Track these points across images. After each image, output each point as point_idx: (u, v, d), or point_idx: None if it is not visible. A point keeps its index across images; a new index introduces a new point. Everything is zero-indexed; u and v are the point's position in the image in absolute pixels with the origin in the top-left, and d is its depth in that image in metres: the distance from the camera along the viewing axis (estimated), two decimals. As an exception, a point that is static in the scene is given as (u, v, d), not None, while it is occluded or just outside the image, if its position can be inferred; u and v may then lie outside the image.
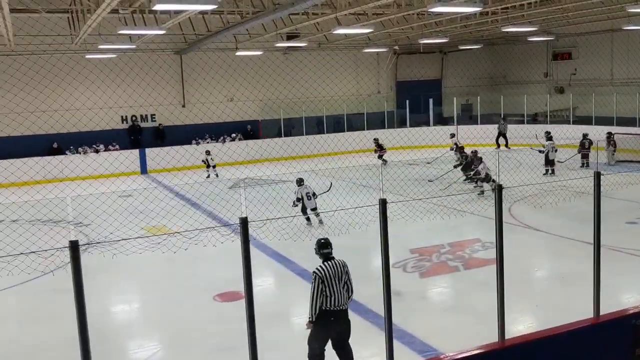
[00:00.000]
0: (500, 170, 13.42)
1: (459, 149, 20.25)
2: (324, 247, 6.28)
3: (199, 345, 7.75)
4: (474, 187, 17.09)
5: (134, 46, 20.94)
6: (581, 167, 20.41)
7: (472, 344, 5.98)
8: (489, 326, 6.08)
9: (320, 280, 6.07)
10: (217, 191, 15.92)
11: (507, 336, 5.81)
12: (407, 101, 30.08)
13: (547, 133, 20.62)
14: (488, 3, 17.78)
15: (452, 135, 23.72)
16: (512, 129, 26.80)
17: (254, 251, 4.97)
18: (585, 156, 20.59)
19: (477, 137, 27.34)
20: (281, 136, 27.68)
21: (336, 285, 6.14)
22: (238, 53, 24.87)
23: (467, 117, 31.33)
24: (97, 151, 24.32)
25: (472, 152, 18.14)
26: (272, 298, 9.46)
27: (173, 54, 26.21)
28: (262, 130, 28.21)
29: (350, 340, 6.44)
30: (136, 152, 24.69)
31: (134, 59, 24.08)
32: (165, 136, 26.24)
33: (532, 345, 5.86)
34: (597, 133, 21.65)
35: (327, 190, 14.26)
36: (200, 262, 11.05)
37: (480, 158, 16.94)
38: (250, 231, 4.91)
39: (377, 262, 9.78)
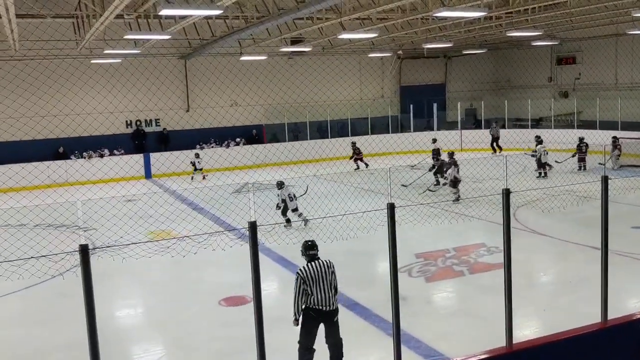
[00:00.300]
0: (501, 174, 13.35)
1: (435, 153, 20.44)
2: (310, 249, 6.43)
3: (204, 350, 7.74)
4: (453, 193, 16.86)
5: (138, 51, 21.01)
6: (578, 170, 20.61)
7: (478, 349, 5.97)
8: (495, 330, 6.07)
9: (302, 281, 6.24)
10: (217, 197, 15.93)
11: (513, 341, 5.79)
12: (411, 106, 30.10)
13: (538, 137, 20.81)
14: (492, 8, 17.79)
15: (434, 141, 24.09)
16: (512, 133, 26.78)
17: (259, 256, 4.97)
18: (582, 159, 20.79)
19: (481, 141, 27.36)
20: (285, 141, 27.73)
21: (321, 285, 6.26)
22: (242, 58, 24.94)
23: (472, 121, 31.35)
24: (101, 156, 24.38)
25: (448, 155, 18.31)
26: (278, 302, 9.43)
27: (177, 59, 26.29)
28: (267, 135, 28.26)
29: (356, 345, 6.44)
30: (140, 156, 24.75)
31: (138, 64, 24.16)
32: (169, 141, 26.30)
33: (539, 350, 5.85)
34: (602, 137, 21.64)
35: (304, 193, 14.67)
36: (206, 266, 11.06)
37: (452, 163, 16.95)
38: (258, 235, 4.91)
39: (382, 266, 9.81)
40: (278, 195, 14.34)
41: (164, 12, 11.94)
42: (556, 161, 20.25)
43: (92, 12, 15.24)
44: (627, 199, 13.95)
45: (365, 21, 20.21)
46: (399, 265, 5.70)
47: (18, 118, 22.41)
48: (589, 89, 28.51)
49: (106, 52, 20.26)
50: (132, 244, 7.83)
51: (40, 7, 16.89)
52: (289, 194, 14.24)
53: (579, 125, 26.74)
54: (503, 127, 28.45)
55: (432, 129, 29.86)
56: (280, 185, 14.37)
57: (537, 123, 28.80)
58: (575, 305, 8.41)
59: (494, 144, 26.97)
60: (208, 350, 7.74)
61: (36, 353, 7.97)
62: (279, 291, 10.22)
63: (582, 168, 20.65)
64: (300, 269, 6.34)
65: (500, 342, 5.78)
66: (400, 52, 30.09)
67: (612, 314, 6.24)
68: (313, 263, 6.35)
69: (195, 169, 23.33)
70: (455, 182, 16.48)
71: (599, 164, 19.19)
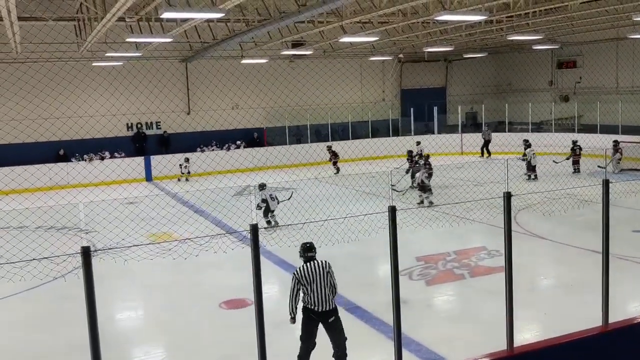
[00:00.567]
0: (502, 177, 13.36)
1: (409, 155, 20.55)
2: (307, 251, 6.57)
3: (205, 353, 7.74)
4: (419, 197, 16.81)
5: (140, 54, 21.06)
6: (573, 172, 20.80)
7: (478, 352, 5.97)
8: (496, 334, 6.07)
9: (296, 281, 6.41)
10: (218, 199, 15.99)
11: (514, 344, 5.79)
12: (412, 109, 30.12)
13: (526, 141, 21.19)
14: (493, 11, 17.82)
15: (418, 143, 24.44)
16: (514, 137, 26.86)
17: (260, 258, 4.97)
18: (576, 162, 21.04)
19: (481, 144, 27.36)
20: (287, 144, 27.74)
21: (317, 285, 6.37)
22: (243, 61, 24.99)
23: (472, 125, 31.37)
24: (102, 158, 24.41)
25: (424, 158, 18.53)
26: (279, 305, 9.42)
27: (179, 62, 26.34)
28: (268, 138, 28.29)
29: (356, 348, 6.44)
30: (141, 159, 24.78)
31: (140, 67, 24.20)
32: (170, 144, 26.34)
33: (540, 354, 5.84)
34: (602, 141, 21.66)
35: (288, 198, 14.87)
36: (207, 269, 11.07)
37: (423, 165, 17.00)
38: (259, 238, 4.92)
39: (383, 269, 9.81)
40: (259, 195, 14.73)
41: (166, 15, 11.98)
42: (554, 161, 20.59)
43: (94, 15, 15.28)
44: (627, 202, 13.96)
45: (366, 25, 20.26)
46: (399, 269, 5.70)
47: (21, 120, 22.44)
48: (590, 93, 28.53)
49: (108, 54, 20.31)
50: (133, 246, 7.83)
51: (43, 10, 16.95)
52: (271, 195, 14.63)
53: (580, 129, 26.75)
54: (495, 130, 28.63)
55: (432, 132, 29.89)
56: (262, 186, 14.79)
57: (538, 127, 28.82)
58: (576, 308, 8.40)
59: (484, 148, 27.12)
60: (209, 353, 7.73)
61: (37, 355, 7.96)
62: (280, 294, 10.20)
63: (577, 171, 20.92)
64: (297, 270, 6.48)
65: (501, 345, 5.78)
66: (401, 55, 30.16)
67: (613, 318, 6.24)
68: (309, 264, 6.46)
69: (182, 173, 23.90)
70: (423, 187, 16.44)
71: (599, 167, 19.26)
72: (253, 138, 28.03)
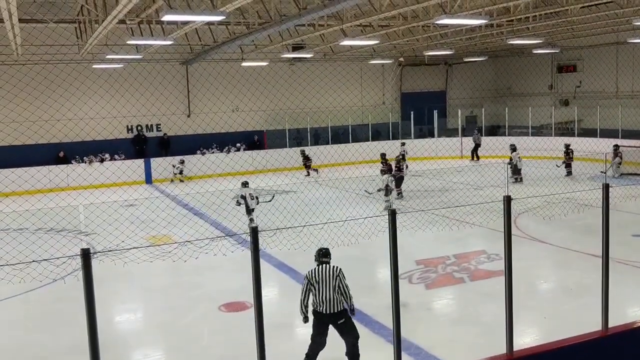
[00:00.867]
0: (502, 181, 13.39)
1: (382, 158, 20.63)
2: (323, 256, 6.80)
3: (205, 356, 7.73)
4: (384, 201, 16.72)
5: (140, 56, 21.07)
6: (566, 175, 21.08)
7: (478, 356, 5.96)
8: (495, 338, 6.06)
9: (307, 281, 6.64)
10: (218, 202, 16.00)
11: (514, 348, 5.78)
12: (412, 113, 30.16)
13: (512, 145, 21.52)
14: (493, 15, 17.85)
15: (403, 144, 24.87)
16: (513, 141, 26.88)
17: (260, 261, 4.97)
18: (568, 165, 21.37)
19: (481, 148, 27.37)
20: (287, 147, 27.76)
21: (324, 288, 6.57)
22: (244, 64, 25.02)
23: (472, 129, 31.38)
24: (102, 160, 24.41)
25: (395, 161, 18.79)
26: (278, 308, 9.44)
27: (179, 64, 26.36)
28: (267, 141, 28.30)
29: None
30: (141, 161, 24.79)
31: (140, 69, 24.21)
32: (169, 146, 26.35)
33: (540, 358, 5.83)
34: (602, 145, 21.70)
35: (270, 200, 15.12)
36: (206, 271, 11.06)
37: (389, 169, 17.09)
38: (260, 241, 4.92)
39: (383, 273, 9.81)
40: (239, 191, 15.05)
41: (167, 17, 11.97)
42: (557, 165, 21.09)
43: (95, 18, 15.30)
44: (627, 207, 13.96)
45: (367, 28, 20.29)
46: (399, 272, 5.70)
47: (21, 122, 22.44)
48: (590, 97, 28.55)
49: (108, 57, 20.32)
50: (133, 248, 7.82)
51: (44, 12, 16.98)
52: (250, 194, 14.89)
53: (580, 134, 26.79)
54: (495, 134, 28.88)
55: (432, 136, 29.91)
56: (244, 184, 15.15)
57: (538, 131, 28.86)
58: (576, 313, 8.40)
59: (474, 152, 27.26)
60: (208, 356, 7.72)
61: (37, 357, 7.96)
62: (280, 297, 10.21)
63: (569, 173, 21.25)
64: (309, 271, 6.71)
65: (501, 349, 5.77)
66: (401, 58, 30.18)
67: (613, 322, 6.23)
68: (321, 267, 6.69)
69: (175, 174, 24.23)
70: (386, 190, 16.45)
71: (601, 172, 19.28)
72: (253, 141, 28.05)
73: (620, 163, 20.84)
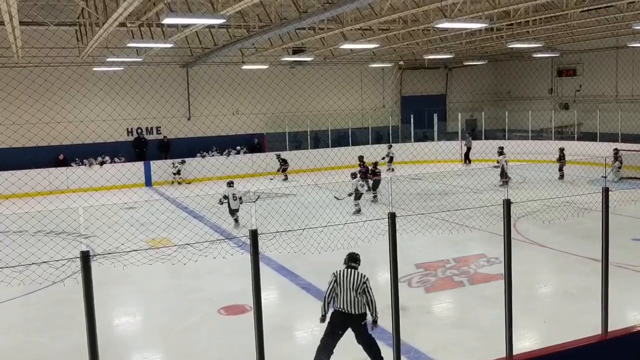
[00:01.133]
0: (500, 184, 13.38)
1: (360, 160, 20.69)
2: (352, 261, 6.88)
3: (204, 358, 7.72)
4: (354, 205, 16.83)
5: (141, 59, 21.10)
6: (559, 178, 21.25)
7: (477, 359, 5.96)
8: (495, 341, 6.06)
9: (334, 278, 6.69)
10: (218, 205, 16.05)
11: (513, 352, 5.78)
12: (412, 116, 30.18)
13: (500, 148, 21.62)
14: (493, 19, 17.88)
15: (390, 146, 25.22)
16: (514, 144, 26.93)
17: (259, 265, 4.97)
18: (560, 168, 21.56)
19: (481, 152, 27.37)
20: (287, 150, 27.75)
21: (347, 290, 6.60)
22: (244, 67, 25.03)
23: (469, 131, 31.40)
24: (102, 163, 24.41)
25: (372, 164, 19.08)
26: (277, 311, 9.44)
27: (179, 67, 26.38)
28: (267, 144, 28.32)
29: (356, 354, 6.43)
30: (141, 164, 24.80)
31: (140, 72, 24.23)
32: (169, 149, 26.36)
33: (539, 362, 5.83)
34: (602, 149, 21.71)
35: (254, 201, 15.52)
36: (206, 274, 11.05)
37: (366, 171, 17.22)
38: (259, 244, 4.92)
39: (382, 276, 9.80)
40: (224, 192, 15.37)
41: (167, 20, 12.00)
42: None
43: (95, 20, 15.33)
44: (627, 210, 13.96)
45: (367, 32, 20.32)
46: (398, 275, 5.70)
47: (21, 125, 22.45)
48: (590, 101, 28.58)
49: (109, 59, 20.35)
50: (132, 250, 7.82)
51: (44, 15, 17.00)
52: (233, 194, 15.14)
53: (580, 137, 26.81)
54: (495, 137, 28.89)
55: (432, 139, 29.93)
56: (229, 184, 15.50)
57: (538, 134, 28.89)
58: (575, 317, 8.39)
59: (468, 155, 27.35)
60: (208, 358, 7.71)
61: (36, 359, 7.95)
62: (279, 300, 10.21)
63: (562, 177, 21.41)
64: (336, 270, 6.78)
65: (500, 353, 5.77)
66: (401, 62, 30.22)
67: (612, 326, 6.23)
68: (349, 270, 6.76)
69: (173, 173, 24.42)
70: (356, 194, 16.45)
71: (602, 177, 19.28)
72: (254, 144, 28.07)
73: (620, 167, 20.85)
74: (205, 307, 9.52)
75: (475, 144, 28.36)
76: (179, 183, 24.37)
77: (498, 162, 20.84)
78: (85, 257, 4.14)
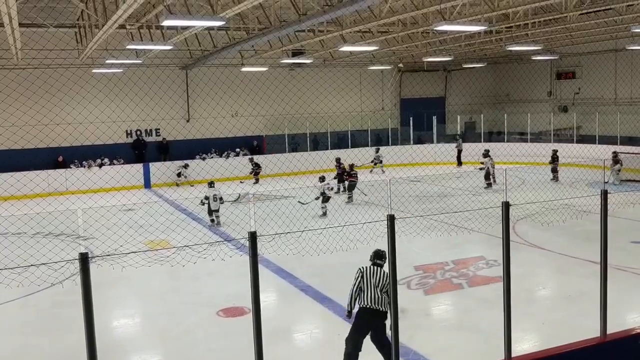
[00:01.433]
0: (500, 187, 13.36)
1: (337, 162, 20.75)
2: (377, 258, 6.86)
3: (203, 360, 7.72)
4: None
5: (140, 61, 21.11)
6: (552, 180, 21.35)
7: (477, 362, 5.96)
8: (494, 344, 6.07)
9: (359, 275, 6.71)
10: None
11: (512, 354, 5.78)
12: (411, 118, 30.21)
13: (487, 151, 21.71)
14: (492, 22, 17.91)
15: (377, 150, 25.56)
16: (513, 147, 27.00)
17: (258, 267, 4.97)
18: (554, 170, 21.58)
19: (480, 154, 27.39)
20: (285, 152, 27.76)
21: (372, 285, 6.63)
22: (243, 69, 25.06)
23: (471, 135, 31.46)
24: (101, 165, 24.41)
25: (349, 166, 19.36)
26: (276, 313, 9.43)
27: (179, 69, 26.40)
28: (267, 146, 28.34)
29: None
30: (140, 166, 24.80)
31: (140, 74, 24.25)
32: (169, 151, 26.37)
33: (538, 364, 5.83)
34: (601, 152, 21.73)
35: (235, 200, 15.72)
36: (204, 276, 11.05)
37: (342, 173, 17.42)
38: (258, 246, 4.92)
39: (382, 278, 9.76)
40: (205, 193, 15.56)
41: (166, 22, 12.01)
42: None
43: (95, 22, 15.34)
44: (626, 213, 13.96)
45: (366, 34, 20.36)
46: (397, 277, 5.71)
47: (20, 126, 22.44)
48: (589, 104, 28.62)
49: (108, 61, 20.36)
50: (131, 252, 7.82)
51: (44, 16, 17.01)
52: (214, 195, 15.32)
53: (578, 140, 26.83)
54: (495, 140, 29.10)
55: (429, 142, 29.96)
56: (210, 184, 15.84)
57: (537, 137, 28.92)
58: (574, 319, 8.39)
59: (460, 157, 27.47)
60: (206, 360, 7.71)
61: (33, 362, 7.94)
62: (278, 302, 10.20)
63: (555, 179, 21.49)
64: (362, 266, 6.80)
65: (499, 355, 5.77)
66: (400, 64, 30.26)
67: (611, 329, 6.23)
68: (374, 267, 6.78)
69: (177, 173, 24.49)
70: (323, 197, 16.51)
71: (605, 182, 19.31)
72: (253, 146, 28.08)
73: (620, 170, 20.86)
74: (204, 309, 9.51)
75: (473, 146, 28.38)
76: (177, 185, 24.40)
77: (483, 164, 20.94)
78: (84, 259, 4.14)
